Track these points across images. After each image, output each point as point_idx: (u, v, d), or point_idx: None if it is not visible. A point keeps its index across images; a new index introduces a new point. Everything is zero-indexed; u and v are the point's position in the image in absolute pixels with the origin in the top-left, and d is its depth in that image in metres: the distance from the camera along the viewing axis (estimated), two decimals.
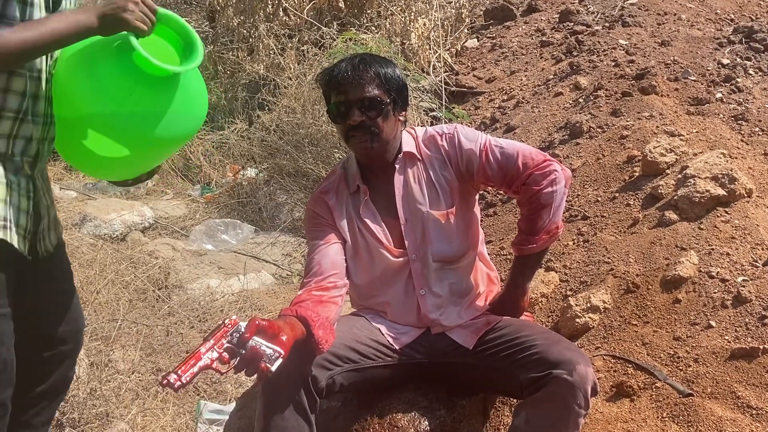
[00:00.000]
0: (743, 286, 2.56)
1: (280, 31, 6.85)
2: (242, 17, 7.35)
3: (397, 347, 2.27)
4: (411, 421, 2.24)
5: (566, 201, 2.34)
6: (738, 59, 4.34)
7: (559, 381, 1.97)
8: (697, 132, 3.54)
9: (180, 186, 6.45)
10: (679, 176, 3.09)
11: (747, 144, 3.48)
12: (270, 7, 7.09)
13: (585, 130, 3.95)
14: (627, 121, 3.81)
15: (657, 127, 3.64)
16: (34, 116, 1.86)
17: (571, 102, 4.53)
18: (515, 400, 2.33)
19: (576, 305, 2.75)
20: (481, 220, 2.56)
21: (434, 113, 5.58)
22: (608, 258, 2.96)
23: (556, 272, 3.06)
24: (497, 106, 5.30)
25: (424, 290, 2.27)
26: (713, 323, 2.50)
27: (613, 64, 4.62)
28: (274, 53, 6.69)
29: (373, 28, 6.65)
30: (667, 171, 3.24)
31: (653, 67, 4.29)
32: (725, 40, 4.66)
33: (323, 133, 5.61)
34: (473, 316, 2.31)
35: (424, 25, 6.35)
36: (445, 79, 5.94)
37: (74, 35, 1.77)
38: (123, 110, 1.80)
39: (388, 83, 2.18)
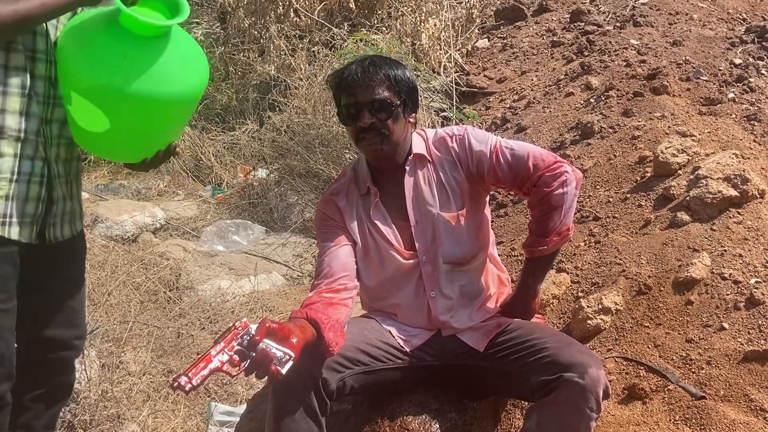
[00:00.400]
0: (756, 288, 2.54)
1: (290, 32, 6.88)
2: (253, 18, 7.37)
3: (407, 349, 2.26)
4: (422, 424, 2.23)
5: (577, 202, 2.33)
6: (750, 59, 4.31)
7: (571, 384, 1.95)
8: (709, 132, 3.52)
9: (191, 187, 6.48)
10: (691, 177, 3.07)
11: (759, 144, 3.45)
12: (281, 8, 7.12)
13: (596, 131, 3.94)
14: (638, 122, 3.79)
15: (669, 127, 3.62)
16: (35, 95, 1.91)
17: (582, 102, 4.51)
18: (526, 403, 2.32)
19: (587, 307, 2.73)
20: (492, 221, 2.55)
21: (445, 113, 5.57)
22: (620, 259, 2.94)
23: (568, 273, 3.04)
24: (508, 106, 5.29)
25: (435, 292, 2.27)
26: (726, 325, 2.49)
27: (624, 64, 4.60)
28: (285, 54, 6.71)
29: (384, 29, 6.65)
30: (679, 172, 3.22)
31: (665, 67, 4.27)
32: (737, 40, 4.63)
33: (334, 133, 5.62)
34: (484, 318, 2.30)
35: (435, 25, 6.35)
36: (455, 79, 5.93)
37: (64, 5, 1.84)
38: (120, 74, 1.86)
39: (398, 85, 2.18)
